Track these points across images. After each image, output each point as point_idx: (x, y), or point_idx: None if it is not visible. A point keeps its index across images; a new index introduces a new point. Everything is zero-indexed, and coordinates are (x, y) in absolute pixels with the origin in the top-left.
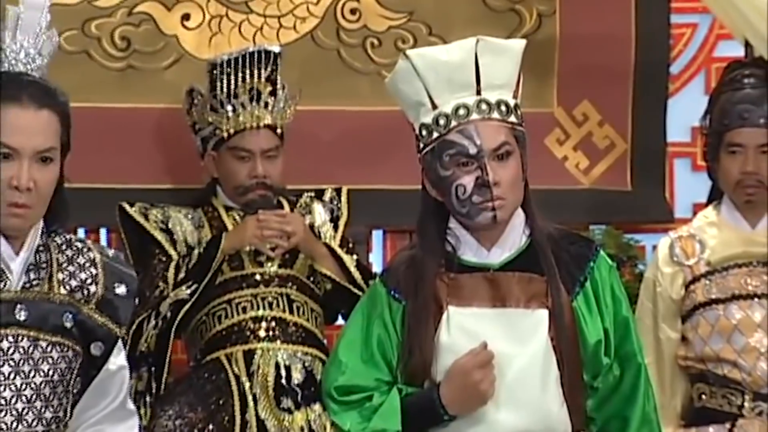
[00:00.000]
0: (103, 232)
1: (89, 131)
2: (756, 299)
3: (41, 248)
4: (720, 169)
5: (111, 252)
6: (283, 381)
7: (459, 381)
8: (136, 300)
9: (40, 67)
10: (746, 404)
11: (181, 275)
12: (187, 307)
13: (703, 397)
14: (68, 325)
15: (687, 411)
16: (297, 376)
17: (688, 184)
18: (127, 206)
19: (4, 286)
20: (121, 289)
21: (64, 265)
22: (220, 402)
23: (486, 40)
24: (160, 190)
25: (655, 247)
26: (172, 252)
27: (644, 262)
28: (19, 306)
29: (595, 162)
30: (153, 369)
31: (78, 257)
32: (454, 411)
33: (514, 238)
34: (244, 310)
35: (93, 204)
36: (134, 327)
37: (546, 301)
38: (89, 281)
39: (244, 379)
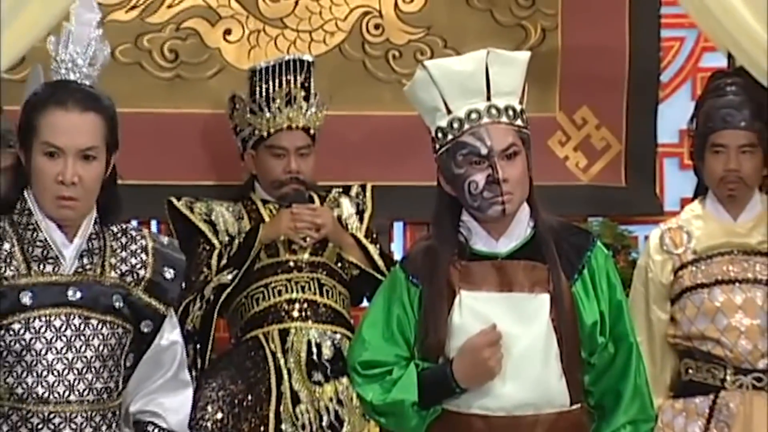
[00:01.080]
0: (153, 223)
1: (141, 134)
2: (737, 284)
3: (94, 236)
4: (705, 167)
5: (165, 239)
6: (315, 357)
7: (470, 358)
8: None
9: (89, 75)
10: (728, 378)
11: (223, 262)
12: (228, 290)
13: (690, 371)
14: (118, 305)
15: (675, 384)
16: (327, 353)
17: (676, 181)
18: (174, 200)
19: (58, 269)
20: (169, 273)
21: (118, 251)
22: (258, 375)
23: (495, 52)
24: (204, 186)
25: (646, 237)
26: (214, 241)
27: (637, 251)
28: (71, 288)
29: (593, 161)
30: (198, 346)
31: (131, 244)
32: (465, 384)
33: (520, 229)
34: (280, 293)
35: (144, 198)
36: (181, 308)
37: (548, 286)
38: (139, 266)
39: (279, 355)
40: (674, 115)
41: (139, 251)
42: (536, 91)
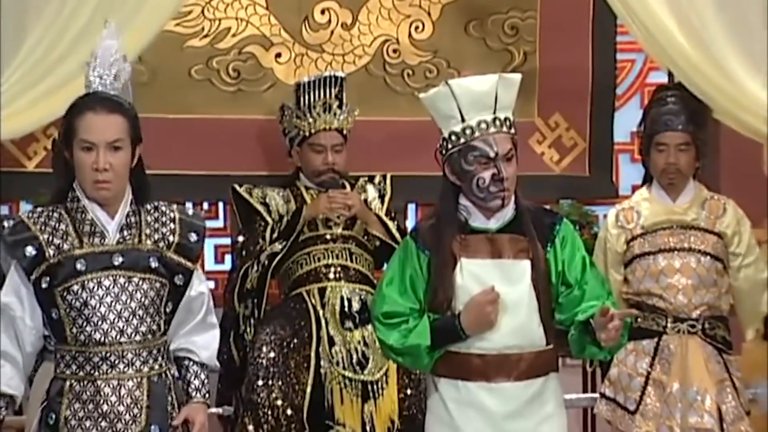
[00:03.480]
0: (221, 205)
1: (211, 135)
2: (676, 252)
3: (131, 213)
4: (651, 161)
5: (190, 211)
6: (346, 309)
7: (474, 312)
8: (243, 252)
9: (115, 87)
10: (669, 325)
11: (275, 235)
12: (279, 257)
13: (639, 320)
14: (154, 265)
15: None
16: (356, 305)
17: (628, 172)
18: (237, 187)
19: (104, 241)
20: (193, 237)
21: (152, 223)
22: (302, 323)
23: (504, 77)
24: (260, 176)
25: (605, 216)
26: (268, 219)
27: (598, 226)
28: (115, 255)
29: (564, 156)
30: (255, 300)
31: (162, 217)
32: (470, 332)
33: (506, 210)
34: (319, 259)
35: (213, 185)
36: (242, 271)
37: (528, 254)
38: (169, 233)
39: (318, 307)
40: (627, 120)
41: (168, 222)
42: (519, 101)
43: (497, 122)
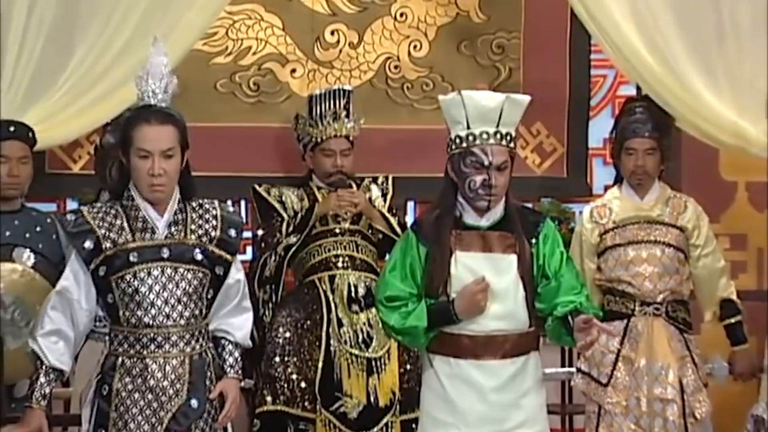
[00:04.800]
0: (242, 202)
1: (234, 141)
2: (643, 244)
3: (178, 211)
4: (621, 164)
5: (230, 208)
6: (353, 294)
7: (467, 299)
8: (263, 244)
9: (165, 99)
10: (636, 308)
11: (290, 229)
12: (293, 249)
13: (610, 303)
14: (198, 258)
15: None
16: (361, 291)
17: (601, 173)
18: (257, 186)
19: (154, 236)
20: (233, 232)
21: (196, 219)
22: (314, 307)
23: (511, 98)
24: (277, 177)
25: (581, 212)
26: (284, 215)
27: (575, 221)
28: (163, 248)
29: (544, 159)
30: (273, 287)
31: (206, 214)
32: (462, 317)
33: (497, 210)
34: (329, 250)
35: (236, 185)
36: (261, 261)
37: (515, 249)
38: (211, 229)
39: (329, 293)
40: (600, 128)
41: (211, 218)
42: None
43: (498, 135)
